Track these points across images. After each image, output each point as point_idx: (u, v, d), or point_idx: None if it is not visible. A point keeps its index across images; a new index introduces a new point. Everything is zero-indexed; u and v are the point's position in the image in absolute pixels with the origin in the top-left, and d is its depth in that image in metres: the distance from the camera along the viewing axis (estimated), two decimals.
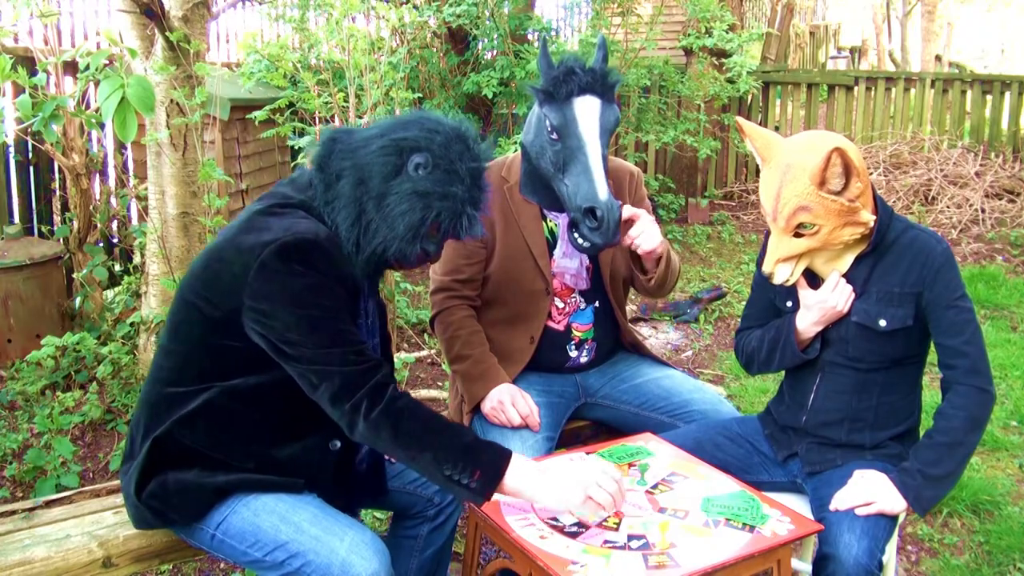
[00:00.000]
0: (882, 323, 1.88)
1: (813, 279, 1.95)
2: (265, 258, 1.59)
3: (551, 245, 2.25)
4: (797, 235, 1.83)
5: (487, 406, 2.15)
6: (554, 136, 2.05)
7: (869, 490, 1.81)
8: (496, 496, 1.64)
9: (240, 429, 1.70)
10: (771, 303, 2.08)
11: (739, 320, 2.20)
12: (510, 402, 2.12)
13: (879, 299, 1.88)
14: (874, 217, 1.84)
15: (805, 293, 1.92)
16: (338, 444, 1.77)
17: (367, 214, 1.65)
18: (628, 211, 2.08)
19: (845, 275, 1.92)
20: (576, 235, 2.06)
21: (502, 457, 1.63)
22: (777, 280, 1.89)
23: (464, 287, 2.26)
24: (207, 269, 1.69)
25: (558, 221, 2.24)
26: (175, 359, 1.73)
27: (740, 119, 1.97)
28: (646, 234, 2.09)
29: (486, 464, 1.61)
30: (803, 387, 2.01)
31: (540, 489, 1.62)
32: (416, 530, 1.94)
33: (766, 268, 1.89)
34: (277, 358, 1.64)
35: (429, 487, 1.91)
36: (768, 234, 1.91)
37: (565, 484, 1.62)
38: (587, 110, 2.04)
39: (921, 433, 2.04)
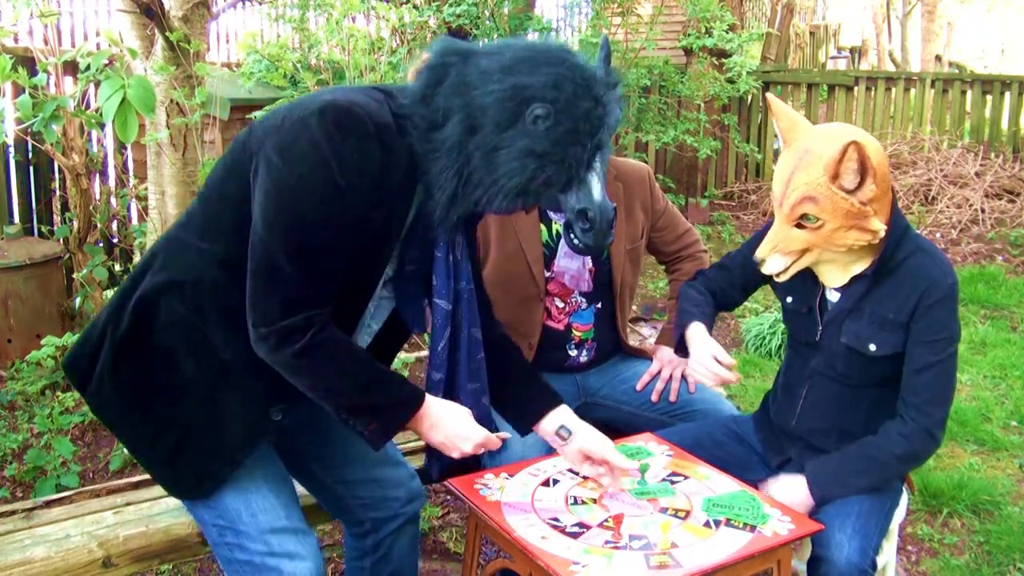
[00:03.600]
0: (872, 348, 1.82)
1: (812, 278, 1.90)
2: (306, 112, 1.44)
3: (551, 249, 2.24)
4: (799, 226, 1.75)
5: None
6: None
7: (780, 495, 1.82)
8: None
9: (223, 303, 1.54)
10: (748, 278, 2.05)
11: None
12: None
13: (871, 322, 1.81)
14: (885, 227, 1.73)
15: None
16: None
17: (471, 164, 1.47)
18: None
19: (840, 288, 1.86)
20: (572, 236, 2.06)
21: (406, 410, 1.59)
22: (767, 269, 1.82)
23: None
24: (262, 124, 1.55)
25: (562, 221, 2.23)
26: (197, 215, 1.60)
27: (771, 96, 1.92)
28: None
29: (385, 419, 1.57)
30: (794, 388, 1.98)
31: (433, 431, 1.61)
32: (360, 563, 1.89)
33: (760, 253, 1.81)
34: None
35: (371, 510, 1.84)
36: (770, 222, 1.83)
37: (454, 434, 1.61)
38: None
39: None
